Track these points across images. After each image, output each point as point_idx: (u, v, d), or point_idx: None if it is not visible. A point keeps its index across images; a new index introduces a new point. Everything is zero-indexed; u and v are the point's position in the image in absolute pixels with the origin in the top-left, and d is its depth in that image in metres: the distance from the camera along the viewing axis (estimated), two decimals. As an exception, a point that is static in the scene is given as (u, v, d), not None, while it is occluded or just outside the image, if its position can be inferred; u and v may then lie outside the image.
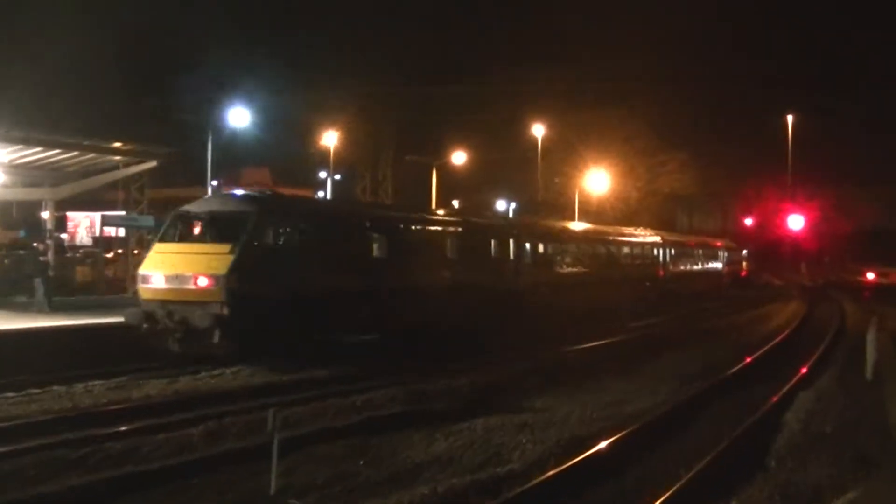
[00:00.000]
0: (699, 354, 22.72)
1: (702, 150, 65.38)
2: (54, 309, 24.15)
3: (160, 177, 35.10)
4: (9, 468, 10.38)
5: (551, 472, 10.36)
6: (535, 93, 57.83)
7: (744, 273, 65.62)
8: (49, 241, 28.56)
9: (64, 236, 36.10)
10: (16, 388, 15.48)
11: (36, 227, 33.40)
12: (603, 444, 11.75)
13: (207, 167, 35.77)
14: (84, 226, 36.33)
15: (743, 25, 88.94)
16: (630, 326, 30.36)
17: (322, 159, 57.28)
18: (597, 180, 59.35)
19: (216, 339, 18.23)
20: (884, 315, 28.75)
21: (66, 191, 28.48)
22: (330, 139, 53.77)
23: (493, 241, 27.72)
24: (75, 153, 26.61)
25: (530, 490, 9.68)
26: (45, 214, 29.55)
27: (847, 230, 69.50)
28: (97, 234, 34.51)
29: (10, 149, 25.14)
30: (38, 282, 25.21)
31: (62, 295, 26.95)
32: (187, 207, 20.70)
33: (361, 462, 11.20)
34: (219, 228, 19.36)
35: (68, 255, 35.15)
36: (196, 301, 18.24)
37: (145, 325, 18.82)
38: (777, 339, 25.90)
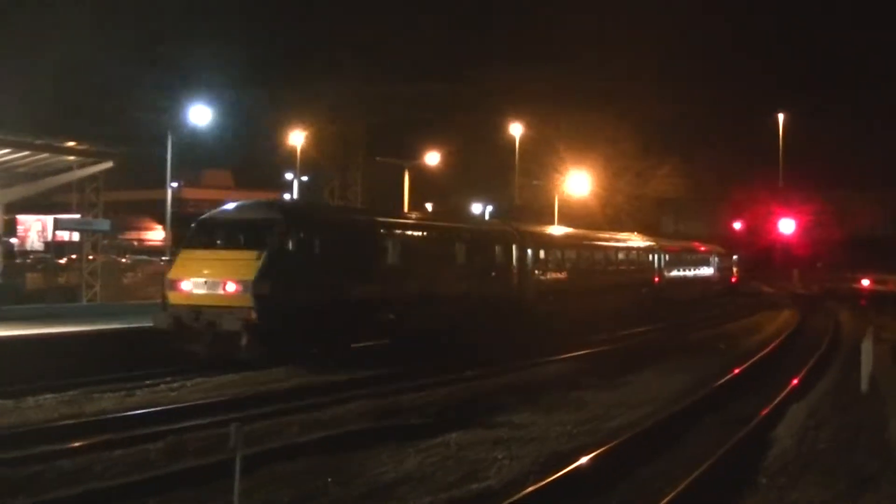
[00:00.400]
0: (687, 365, 22.79)
1: (691, 153, 65.84)
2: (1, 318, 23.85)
3: (119, 179, 34.86)
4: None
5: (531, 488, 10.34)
6: (511, 92, 58.22)
7: (734, 279, 66.00)
8: (-3, 246, 28.32)
9: (14, 241, 35.76)
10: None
11: (-17, 231, 33.05)
12: (584, 460, 11.68)
13: (167, 168, 35.48)
14: (35, 230, 35.89)
15: (741, 25, 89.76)
16: (621, 335, 30.87)
17: (288, 160, 57.13)
18: (578, 183, 59.55)
19: (244, 342, 19.48)
20: (881, 326, 28.91)
21: (16, 192, 28.32)
22: (297, 139, 53.62)
23: (496, 248, 29.42)
24: (26, 153, 26.42)
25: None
26: (-6, 217, 29.34)
27: (841, 236, 69.99)
28: (49, 238, 34.20)
29: (-45, 148, 24.97)
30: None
31: (9, 303, 26.58)
32: (213, 213, 22.38)
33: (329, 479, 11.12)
34: (246, 235, 20.90)
35: (18, 260, 34.83)
36: (224, 306, 19.68)
37: (173, 329, 20.05)
38: (768, 349, 26.03)
